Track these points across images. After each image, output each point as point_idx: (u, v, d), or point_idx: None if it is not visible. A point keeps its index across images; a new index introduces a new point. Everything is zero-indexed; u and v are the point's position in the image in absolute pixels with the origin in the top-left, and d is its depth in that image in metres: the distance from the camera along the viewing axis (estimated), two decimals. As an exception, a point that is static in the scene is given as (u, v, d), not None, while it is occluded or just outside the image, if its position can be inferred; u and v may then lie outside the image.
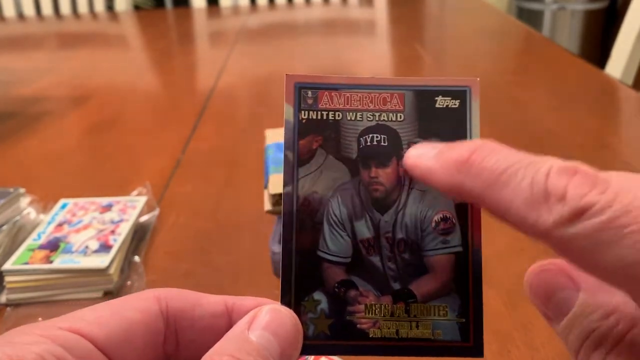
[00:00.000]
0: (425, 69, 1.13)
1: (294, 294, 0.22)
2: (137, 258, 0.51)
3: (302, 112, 0.23)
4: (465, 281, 0.22)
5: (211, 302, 0.22)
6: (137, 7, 2.29)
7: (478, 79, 0.23)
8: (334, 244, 0.23)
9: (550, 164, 0.18)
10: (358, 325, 0.22)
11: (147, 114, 0.94)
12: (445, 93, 0.23)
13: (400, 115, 0.23)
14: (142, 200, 0.57)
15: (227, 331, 0.21)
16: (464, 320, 0.22)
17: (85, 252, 0.48)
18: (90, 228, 0.52)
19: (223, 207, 0.60)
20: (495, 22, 1.57)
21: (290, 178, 0.22)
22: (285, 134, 0.23)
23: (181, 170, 0.70)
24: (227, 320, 0.22)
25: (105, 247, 0.48)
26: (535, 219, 0.17)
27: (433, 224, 0.23)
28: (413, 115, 0.23)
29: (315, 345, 0.22)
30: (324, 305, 0.22)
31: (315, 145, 0.23)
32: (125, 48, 1.49)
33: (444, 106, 0.23)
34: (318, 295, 0.22)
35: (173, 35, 1.62)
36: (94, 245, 0.49)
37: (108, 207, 0.55)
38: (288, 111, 0.23)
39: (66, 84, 1.12)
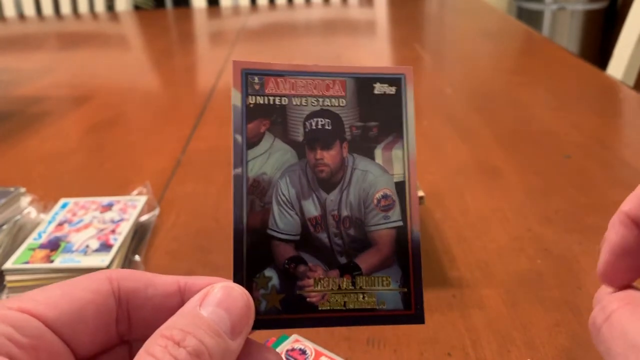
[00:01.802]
0: (425, 69, 1.13)
1: (245, 272, 0.23)
2: (137, 257, 0.51)
3: (250, 97, 0.24)
4: (406, 254, 0.24)
5: (164, 282, 0.22)
6: (137, 7, 2.29)
7: (412, 67, 0.25)
8: (283, 223, 0.24)
9: None
10: (308, 299, 0.23)
11: (147, 113, 0.94)
12: (383, 80, 0.25)
13: (342, 101, 0.24)
14: (142, 199, 0.57)
15: (180, 303, 0.21)
16: (405, 290, 0.24)
17: (85, 251, 0.48)
18: (90, 227, 0.52)
19: (223, 207, 0.60)
20: (495, 22, 1.57)
21: (239, 160, 0.24)
22: (234, 118, 0.24)
23: (181, 170, 0.70)
24: (180, 300, 0.22)
25: (105, 247, 0.49)
26: None
27: (375, 201, 0.24)
28: (354, 101, 0.24)
29: (267, 320, 0.23)
30: (275, 281, 0.23)
31: (263, 129, 0.24)
32: (125, 48, 1.49)
33: (382, 92, 0.25)
34: (269, 272, 0.23)
35: (173, 35, 1.62)
36: (95, 244, 0.49)
37: (108, 207, 0.55)
38: (236, 96, 0.24)
39: (66, 84, 1.12)
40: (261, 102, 0.24)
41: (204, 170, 0.69)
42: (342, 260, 0.24)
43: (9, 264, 0.47)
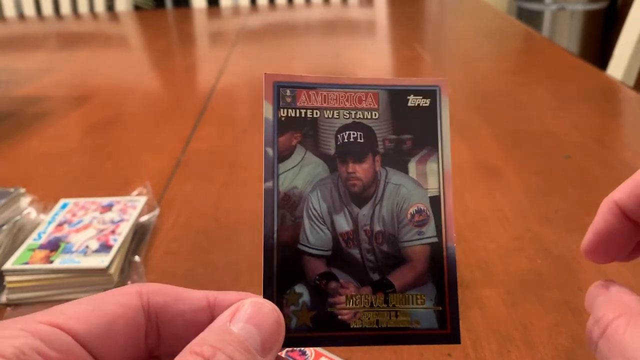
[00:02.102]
0: (425, 69, 1.13)
1: (276, 287, 0.23)
2: (137, 258, 0.51)
3: (281, 109, 0.24)
4: (441, 271, 0.23)
5: (193, 297, 0.22)
6: (137, 8, 2.29)
7: (447, 78, 0.25)
8: (315, 238, 0.23)
9: None
10: (339, 317, 0.23)
11: (147, 113, 0.94)
12: (417, 92, 0.24)
13: (375, 114, 0.24)
14: (142, 200, 0.57)
15: (210, 318, 0.21)
16: (440, 308, 0.23)
17: (85, 252, 0.48)
18: (90, 228, 0.52)
19: (223, 207, 0.60)
20: (495, 23, 1.57)
21: (270, 174, 0.24)
22: (265, 131, 0.24)
23: (181, 170, 0.70)
24: (209, 315, 0.22)
25: (105, 247, 0.49)
26: None
27: (409, 216, 0.23)
28: (387, 114, 0.24)
29: (298, 338, 0.23)
30: (305, 297, 0.23)
31: (294, 142, 0.24)
32: (125, 48, 1.49)
33: (416, 105, 0.24)
34: (300, 288, 0.23)
35: (173, 35, 1.62)
36: (94, 245, 0.49)
37: (108, 207, 0.55)
38: (267, 109, 0.24)
39: (66, 84, 1.12)
40: (293, 115, 0.24)
41: (204, 170, 0.69)
42: (375, 276, 0.23)
43: (8, 265, 0.47)
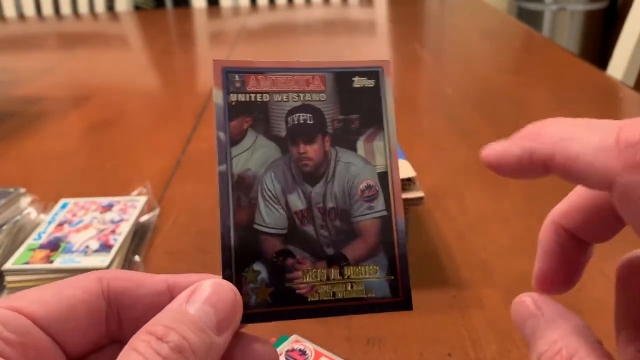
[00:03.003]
0: (425, 68, 1.13)
1: (234, 267, 0.23)
2: (137, 258, 0.51)
3: (231, 94, 0.24)
4: (392, 242, 0.24)
5: (153, 281, 0.23)
6: (137, 8, 2.29)
7: (389, 60, 0.26)
8: (270, 217, 0.24)
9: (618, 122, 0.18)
10: (297, 291, 0.24)
11: (147, 114, 0.94)
12: (361, 74, 0.25)
13: (323, 95, 0.25)
14: (142, 200, 0.57)
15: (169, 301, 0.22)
16: (392, 277, 0.24)
17: (85, 251, 0.48)
18: (90, 228, 0.52)
19: (223, 207, 0.60)
20: (495, 22, 1.57)
21: (223, 157, 0.24)
22: (216, 116, 0.24)
23: (181, 170, 0.70)
24: (169, 298, 0.22)
25: (105, 247, 0.49)
26: (603, 163, 0.17)
27: (359, 192, 0.25)
28: (334, 95, 0.25)
29: (257, 313, 0.23)
30: (263, 275, 0.23)
31: (245, 126, 0.24)
32: (125, 48, 1.49)
33: (361, 86, 0.25)
34: (258, 266, 0.23)
35: (173, 35, 1.62)
36: (95, 245, 0.49)
37: (108, 207, 0.55)
38: (217, 95, 0.24)
39: (66, 84, 1.12)
40: (243, 99, 0.24)
41: (204, 170, 0.69)
42: (330, 251, 0.24)
43: (8, 265, 0.47)
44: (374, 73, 0.25)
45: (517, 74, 1.07)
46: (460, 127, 0.78)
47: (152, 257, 0.52)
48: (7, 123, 0.90)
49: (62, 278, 0.47)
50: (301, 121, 0.24)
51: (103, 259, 0.47)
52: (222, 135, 0.24)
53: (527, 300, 0.23)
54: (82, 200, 0.57)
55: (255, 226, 0.24)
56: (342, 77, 0.25)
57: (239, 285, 0.23)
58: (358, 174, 0.25)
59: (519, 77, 1.04)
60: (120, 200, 0.57)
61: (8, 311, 0.19)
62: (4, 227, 0.52)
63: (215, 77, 0.24)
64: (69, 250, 0.48)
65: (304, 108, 0.25)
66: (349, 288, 0.24)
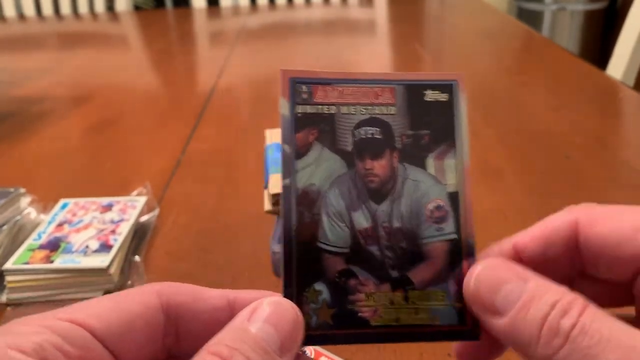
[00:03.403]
0: (425, 68, 1.13)
1: (295, 286, 0.22)
2: (137, 258, 0.51)
3: (298, 106, 0.23)
4: (460, 267, 0.23)
5: (213, 295, 0.22)
6: (137, 8, 2.29)
7: (464, 73, 0.24)
8: (333, 235, 0.23)
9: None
10: (359, 314, 0.23)
11: (147, 114, 0.94)
12: (434, 87, 0.24)
13: (392, 109, 0.23)
14: (142, 200, 0.57)
15: (230, 317, 0.21)
16: (460, 304, 0.23)
17: (85, 252, 0.48)
18: (90, 228, 0.52)
19: (223, 207, 0.60)
20: (495, 22, 1.57)
21: (288, 171, 0.23)
22: (282, 128, 0.23)
23: (181, 170, 0.70)
24: (229, 314, 0.22)
25: (105, 247, 0.48)
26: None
27: (428, 212, 0.23)
28: (404, 109, 0.24)
29: (318, 335, 0.22)
30: (325, 295, 0.22)
31: (311, 139, 0.23)
32: (125, 48, 1.49)
33: (433, 99, 0.24)
34: (319, 286, 0.23)
35: (173, 35, 1.62)
36: (94, 245, 0.49)
37: (108, 207, 0.55)
38: (284, 105, 0.23)
39: (66, 84, 1.12)
40: (310, 111, 0.23)
41: (204, 170, 0.69)
42: (394, 273, 0.23)
43: (8, 265, 0.47)
44: (447, 86, 0.24)
45: (517, 74, 1.07)
46: (460, 127, 0.78)
47: (152, 257, 0.52)
48: (7, 123, 0.90)
49: (62, 278, 0.47)
50: (369, 135, 0.23)
51: (103, 259, 0.47)
52: (287, 148, 0.23)
53: (499, 264, 0.21)
54: (82, 201, 0.57)
55: (319, 244, 0.23)
56: (413, 90, 0.24)
57: (299, 304, 0.22)
58: (427, 193, 0.23)
59: (519, 77, 1.04)
60: (120, 200, 0.57)
61: (69, 324, 0.19)
62: (4, 227, 0.52)
63: (282, 87, 0.23)
64: (69, 251, 0.48)
65: (372, 121, 0.23)
66: (414, 314, 0.23)
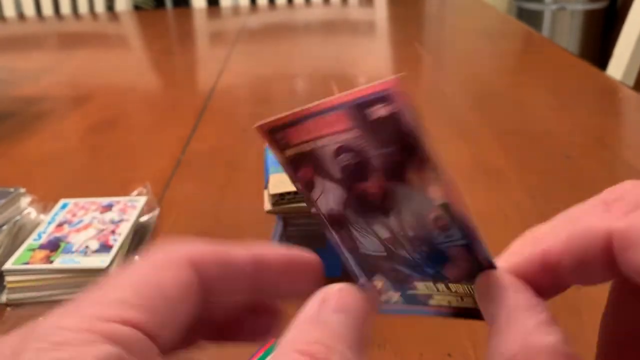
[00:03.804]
0: (425, 69, 1.13)
1: (360, 278, 0.24)
2: (137, 258, 0.51)
3: (284, 151, 0.24)
4: (482, 265, 0.24)
5: (239, 258, 0.21)
6: (137, 8, 2.29)
7: (400, 75, 0.22)
8: (369, 244, 0.24)
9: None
10: (419, 297, 0.24)
11: (147, 114, 0.94)
12: (373, 102, 0.22)
13: (354, 132, 0.23)
14: (142, 200, 0.57)
15: (252, 277, 0.21)
16: None
17: (85, 252, 0.48)
18: (90, 228, 0.52)
19: (223, 207, 0.60)
20: (495, 22, 1.57)
21: (310, 202, 0.24)
22: (285, 171, 0.24)
23: (181, 170, 0.70)
24: (254, 270, 0.21)
25: (105, 247, 0.48)
26: (600, 219, 0.20)
27: (431, 222, 0.23)
28: (361, 130, 0.23)
29: (393, 309, 0.24)
30: (387, 284, 0.24)
31: (310, 174, 0.24)
32: (125, 48, 1.49)
33: (378, 116, 0.22)
34: (379, 277, 0.25)
35: (173, 35, 1.62)
36: (94, 245, 0.49)
37: (108, 207, 0.55)
38: (274, 154, 0.24)
39: (66, 84, 1.12)
40: (295, 152, 0.24)
41: (204, 170, 0.69)
42: (429, 271, 0.24)
43: (8, 265, 0.47)
44: (383, 98, 0.22)
45: (517, 74, 1.07)
46: (460, 127, 0.78)
47: (152, 257, 0.52)
48: (7, 123, 0.90)
49: (62, 278, 0.47)
50: (346, 162, 0.23)
51: (103, 259, 0.47)
52: (299, 185, 0.24)
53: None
54: (82, 201, 0.57)
55: (362, 251, 0.24)
56: (358, 111, 0.22)
57: (369, 290, 0.23)
58: (423, 206, 0.23)
59: (519, 77, 1.04)
60: (120, 201, 0.57)
61: (127, 329, 0.16)
62: (4, 227, 0.52)
63: (265, 140, 0.24)
64: (68, 251, 0.48)
65: (343, 149, 0.23)
66: (461, 300, 0.24)
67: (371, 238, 0.24)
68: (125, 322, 0.16)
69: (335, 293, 0.20)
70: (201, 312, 0.20)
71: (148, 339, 0.16)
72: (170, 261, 0.19)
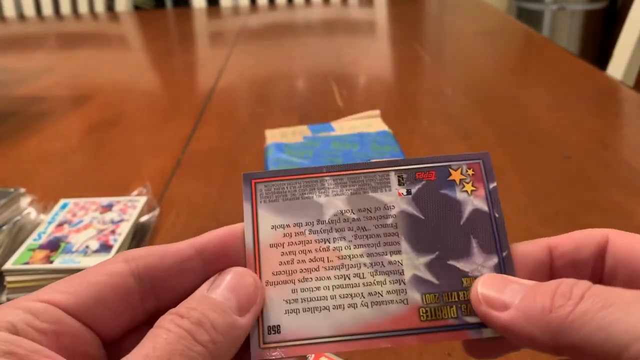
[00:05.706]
0: (425, 69, 1.13)
1: None
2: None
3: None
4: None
5: (180, 248, 0.23)
6: (137, 8, 2.29)
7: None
8: None
9: None
10: None
11: (147, 113, 0.94)
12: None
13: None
14: (142, 200, 0.57)
15: (202, 271, 0.23)
16: None
17: (85, 252, 0.48)
18: (90, 228, 0.52)
19: (223, 207, 0.60)
20: (495, 23, 1.57)
21: None
22: None
23: (181, 170, 0.70)
24: (200, 262, 0.23)
25: (105, 247, 0.49)
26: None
27: None
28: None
29: None
30: None
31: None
32: (125, 48, 1.49)
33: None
34: None
35: (173, 35, 1.62)
36: (94, 245, 0.49)
37: (108, 207, 0.55)
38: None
39: (66, 84, 1.12)
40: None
41: (204, 170, 0.69)
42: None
43: (8, 265, 0.47)
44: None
45: (517, 74, 1.07)
46: (460, 127, 0.78)
47: (152, 257, 0.52)
48: (7, 123, 0.90)
49: (62, 278, 0.47)
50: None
51: (103, 259, 0.47)
52: None
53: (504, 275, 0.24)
54: (82, 201, 0.57)
55: None
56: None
57: None
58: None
59: (519, 77, 1.04)
60: (120, 200, 0.57)
61: (40, 303, 0.20)
62: (4, 227, 0.52)
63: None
64: (68, 251, 0.48)
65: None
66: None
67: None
68: (41, 300, 0.21)
69: (224, 274, 0.23)
70: (163, 306, 0.22)
71: (62, 312, 0.20)
72: (105, 262, 0.22)
